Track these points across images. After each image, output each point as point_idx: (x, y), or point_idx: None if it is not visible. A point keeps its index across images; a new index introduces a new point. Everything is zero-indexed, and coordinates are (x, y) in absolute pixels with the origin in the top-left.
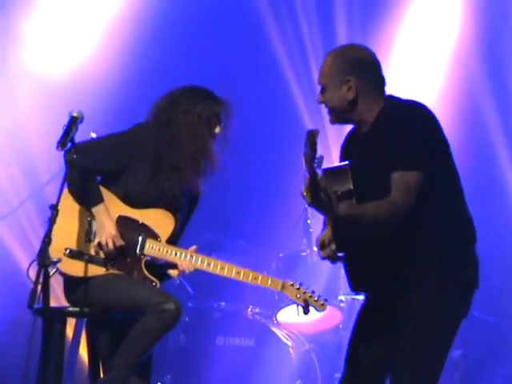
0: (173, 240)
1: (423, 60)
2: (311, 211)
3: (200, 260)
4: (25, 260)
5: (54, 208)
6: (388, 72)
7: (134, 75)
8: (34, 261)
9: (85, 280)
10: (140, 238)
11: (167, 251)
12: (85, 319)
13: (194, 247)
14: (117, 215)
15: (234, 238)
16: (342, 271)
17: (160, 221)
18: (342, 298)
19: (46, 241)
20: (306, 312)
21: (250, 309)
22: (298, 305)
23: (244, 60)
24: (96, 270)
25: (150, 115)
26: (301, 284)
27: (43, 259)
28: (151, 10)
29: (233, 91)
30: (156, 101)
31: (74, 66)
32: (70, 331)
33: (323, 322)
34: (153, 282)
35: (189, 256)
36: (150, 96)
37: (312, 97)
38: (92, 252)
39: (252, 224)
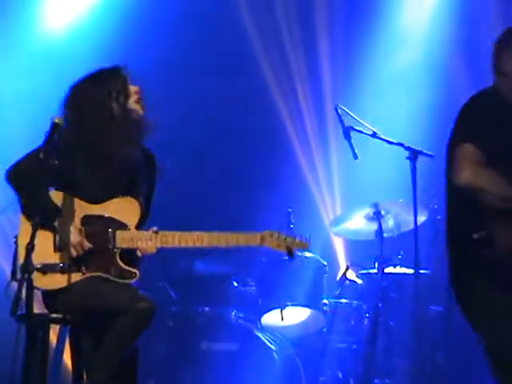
0: (142, 221)
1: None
2: (294, 215)
3: (172, 239)
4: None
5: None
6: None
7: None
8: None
9: (62, 290)
10: (110, 233)
11: (139, 239)
12: (68, 326)
13: (155, 228)
14: (81, 216)
15: None
16: (326, 275)
17: (125, 209)
18: (325, 301)
19: (29, 247)
20: (292, 258)
21: (233, 313)
22: (281, 309)
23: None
24: (71, 278)
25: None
26: (279, 230)
27: (26, 266)
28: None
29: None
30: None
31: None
32: (53, 338)
33: (307, 325)
34: (132, 273)
35: (155, 239)
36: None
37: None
38: (64, 260)
39: (234, 227)
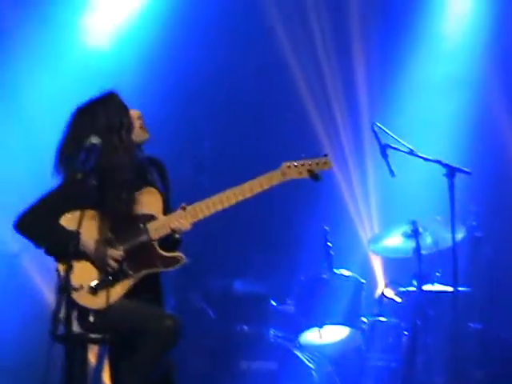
0: (167, 208)
1: None
2: (331, 234)
3: (201, 210)
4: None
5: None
6: None
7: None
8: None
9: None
10: (142, 229)
11: (170, 223)
12: (107, 346)
13: (183, 204)
14: (108, 225)
15: (254, 262)
16: (364, 293)
17: (147, 201)
18: (363, 319)
19: (68, 268)
20: (318, 179)
21: (272, 332)
22: (319, 328)
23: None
24: (124, 286)
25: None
26: (296, 158)
27: (66, 286)
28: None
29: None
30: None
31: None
32: (92, 358)
33: (345, 343)
34: (177, 257)
35: (186, 216)
36: None
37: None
38: (108, 274)
39: (273, 248)
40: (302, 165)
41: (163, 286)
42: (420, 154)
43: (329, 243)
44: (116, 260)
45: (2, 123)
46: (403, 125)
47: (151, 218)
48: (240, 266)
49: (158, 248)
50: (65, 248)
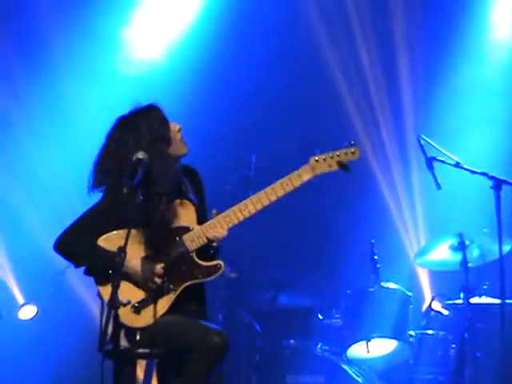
0: (202, 218)
1: None
2: (377, 246)
3: (235, 214)
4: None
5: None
6: None
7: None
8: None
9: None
10: (178, 242)
11: (206, 232)
12: (155, 361)
13: (215, 211)
14: (145, 241)
15: (300, 276)
16: (411, 306)
17: (180, 213)
18: (411, 332)
19: (115, 284)
20: (348, 170)
21: (319, 346)
22: (366, 341)
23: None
24: (168, 302)
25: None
26: (322, 152)
27: (113, 302)
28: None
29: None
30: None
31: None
32: (140, 373)
33: (393, 357)
34: (216, 266)
35: (221, 223)
36: None
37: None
38: (152, 291)
39: (319, 261)
40: (331, 157)
41: (208, 299)
42: (466, 167)
43: (375, 256)
44: (159, 276)
45: (48, 136)
46: (449, 137)
47: (187, 229)
48: (286, 279)
49: (196, 259)
50: (104, 269)
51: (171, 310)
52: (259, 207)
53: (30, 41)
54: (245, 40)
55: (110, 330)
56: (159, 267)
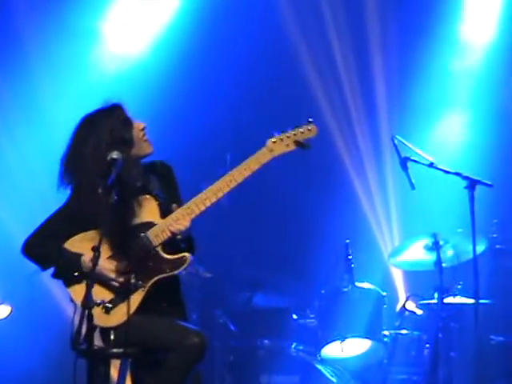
0: (167, 211)
1: None
2: (352, 247)
3: (196, 205)
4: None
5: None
6: None
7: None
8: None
9: (120, 325)
10: (143, 238)
11: (169, 225)
12: (129, 360)
13: (175, 205)
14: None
15: (275, 276)
16: (385, 306)
17: (145, 209)
18: (385, 332)
19: (90, 283)
20: (307, 148)
21: (293, 346)
22: (341, 341)
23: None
24: (135, 301)
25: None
26: (279, 132)
27: (87, 302)
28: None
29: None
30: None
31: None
32: (114, 373)
33: (367, 357)
34: (182, 258)
35: (183, 214)
36: None
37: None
38: (118, 290)
39: (293, 261)
40: (288, 136)
41: (185, 300)
42: (440, 167)
43: (350, 256)
44: (121, 273)
45: (23, 133)
46: (423, 137)
47: (151, 225)
48: (261, 279)
49: (161, 253)
50: (70, 271)
51: (145, 308)
52: (220, 195)
53: (5, 37)
54: (222, 37)
55: (83, 329)
56: (123, 265)
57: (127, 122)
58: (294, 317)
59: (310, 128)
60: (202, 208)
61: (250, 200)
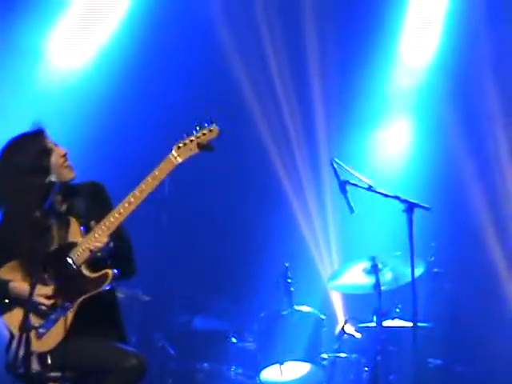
0: (89, 230)
1: None
2: (291, 270)
3: (111, 222)
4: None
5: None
6: None
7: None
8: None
9: (56, 348)
10: (68, 259)
11: (89, 243)
12: None
13: (93, 222)
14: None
15: (214, 299)
16: (324, 329)
17: (70, 231)
18: (324, 355)
19: (28, 306)
20: (211, 149)
21: (232, 369)
22: (280, 364)
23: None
24: (66, 324)
25: None
26: (183, 137)
27: (26, 325)
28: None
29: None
30: None
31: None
32: None
33: (306, 380)
34: (103, 275)
35: (100, 231)
36: None
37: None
38: (49, 315)
39: (232, 285)
40: (191, 140)
41: (124, 323)
42: (379, 190)
43: (289, 279)
44: (46, 297)
45: None
46: (362, 160)
47: (73, 245)
48: (200, 302)
49: (84, 272)
50: (1, 300)
51: (81, 330)
52: (133, 207)
53: None
54: (162, 51)
55: (21, 353)
56: (44, 288)
57: (44, 151)
58: (233, 340)
59: (211, 129)
60: (117, 222)
61: (189, 222)
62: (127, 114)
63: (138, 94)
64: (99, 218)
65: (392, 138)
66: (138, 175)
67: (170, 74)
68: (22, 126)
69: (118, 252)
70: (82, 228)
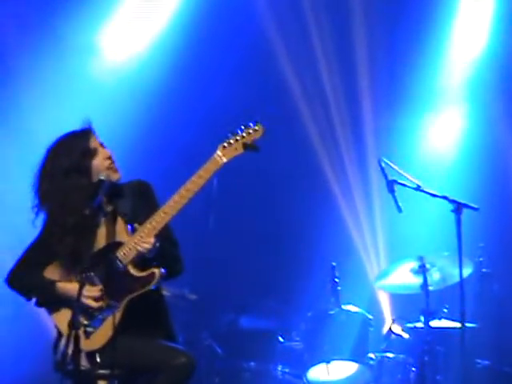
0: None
1: None
2: (338, 269)
3: (157, 222)
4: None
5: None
6: None
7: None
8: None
9: (106, 346)
10: (113, 258)
11: (135, 243)
12: (116, 382)
13: (136, 225)
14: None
15: (261, 298)
16: (371, 329)
17: (117, 230)
18: (371, 355)
19: (77, 305)
20: (255, 150)
21: (279, 368)
22: (327, 363)
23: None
24: (114, 323)
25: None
26: (228, 136)
27: (75, 323)
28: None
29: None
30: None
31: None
32: None
33: (353, 380)
34: (150, 275)
35: (146, 230)
36: None
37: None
38: (96, 314)
39: (280, 284)
40: (236, 140)
41: (173, 322)
42: (427, 190)
43: (336, 279)
44: (94, 299)
45: (7, 147)
46: (410, 160)
47: (119, 244)
48: (247, 302)
49: (131, 271)
50: (50, 300)
51: (130, 329)
52: (179, 207)
53: None
54: (210, 48)
55: (69, 351)
56: (93, 289)
57: (89, 152)
58: (280, 339)
59: (256, 128)
60: (162, 223)
61: (237, 222)
62: (175, 109)
63: (185, 91)
64: (145, 217)
65: (440, 137)
66: (182, 172)
67: (217, 72)
68: (76, 118)
69: (165, 252)
70: (128, 227)
